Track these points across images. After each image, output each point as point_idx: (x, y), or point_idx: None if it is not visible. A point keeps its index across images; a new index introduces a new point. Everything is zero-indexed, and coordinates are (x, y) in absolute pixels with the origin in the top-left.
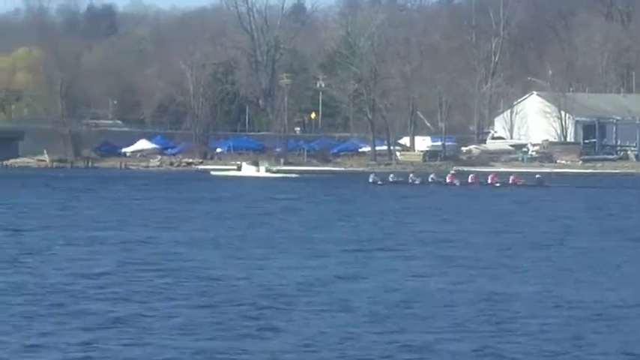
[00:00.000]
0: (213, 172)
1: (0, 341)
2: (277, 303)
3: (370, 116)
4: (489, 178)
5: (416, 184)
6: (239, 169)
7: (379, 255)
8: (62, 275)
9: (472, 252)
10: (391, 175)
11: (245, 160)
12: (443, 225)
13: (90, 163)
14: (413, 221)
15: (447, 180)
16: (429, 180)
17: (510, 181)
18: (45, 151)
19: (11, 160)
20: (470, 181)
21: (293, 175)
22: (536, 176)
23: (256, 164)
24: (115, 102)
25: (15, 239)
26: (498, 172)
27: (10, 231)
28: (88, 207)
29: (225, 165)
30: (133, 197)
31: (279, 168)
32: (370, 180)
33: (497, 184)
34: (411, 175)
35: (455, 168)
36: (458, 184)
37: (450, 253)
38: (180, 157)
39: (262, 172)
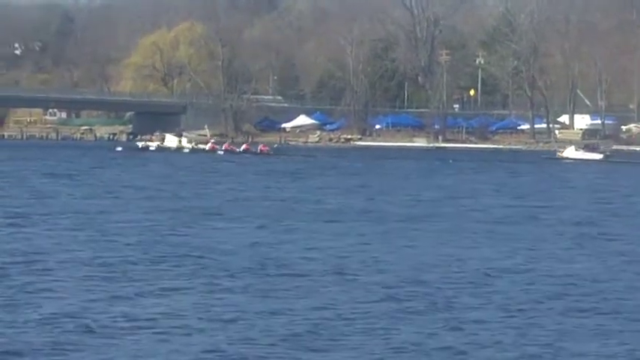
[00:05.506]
0: (138, 143)
1: None
2: None
3: (529, 94)
4: (259, 147)
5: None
6: (162, 140)
7: None
8: None
9: None
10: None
11: (404, 137)
12: None
13: (250, 138)
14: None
15: (243, 148)
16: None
17: (259, 150)
18: (206, 126)
19: None
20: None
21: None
22: (274, 146)
23: (180, 135)
24: (275, 77)
25: None
26: None
27: None
28: None
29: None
30: None
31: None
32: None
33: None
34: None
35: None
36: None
37: None
38: (339, 133)
39: (185, 144)
